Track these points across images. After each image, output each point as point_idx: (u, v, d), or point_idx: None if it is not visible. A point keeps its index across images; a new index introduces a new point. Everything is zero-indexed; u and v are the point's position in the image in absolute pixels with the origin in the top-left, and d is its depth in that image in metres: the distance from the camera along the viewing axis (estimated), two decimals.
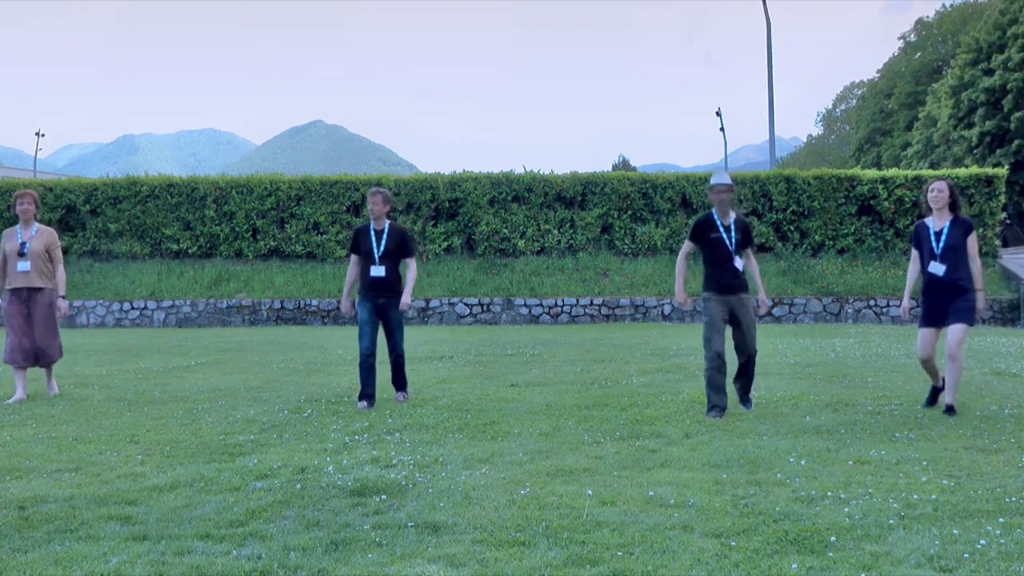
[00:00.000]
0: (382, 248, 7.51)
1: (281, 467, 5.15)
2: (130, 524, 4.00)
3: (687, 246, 7.07)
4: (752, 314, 6.90)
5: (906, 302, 7.10)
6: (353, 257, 7.68)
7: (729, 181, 6.93)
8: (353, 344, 13.74)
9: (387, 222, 7.64)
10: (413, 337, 15.43)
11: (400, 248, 7.62)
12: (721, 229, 6.84)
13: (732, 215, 6.93)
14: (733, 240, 6.83)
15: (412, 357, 11.59)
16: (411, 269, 7.77)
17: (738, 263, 6.84)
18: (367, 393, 7.46)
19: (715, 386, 6.71)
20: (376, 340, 7.61)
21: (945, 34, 54.96)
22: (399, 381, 7.84)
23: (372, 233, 7.57)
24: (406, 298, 7.59)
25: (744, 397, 7.04)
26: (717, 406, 6.68)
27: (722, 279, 6.81)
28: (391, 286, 7.53)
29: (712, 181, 6.98)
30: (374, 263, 7.50)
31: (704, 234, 6.88)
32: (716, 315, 6.77)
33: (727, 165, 52.69)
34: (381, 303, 7.53)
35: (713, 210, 7.00)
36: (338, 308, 20.14)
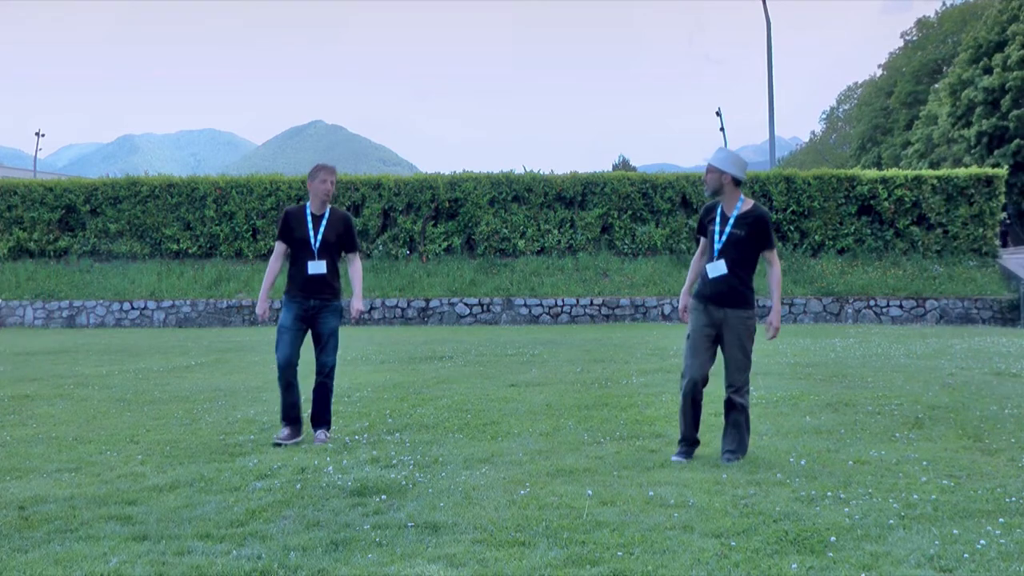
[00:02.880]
0: (320, 238, 6.06)
1: (281, 467, 5.15)
2: (130, 524, 4.00)
3: (701, 242, 5.52)
4: (743, 339, 5.23)
5: None
6: (280, 246, 6.20)
7: (716, 161, 5.28)
8: (354, 344, 13.74)
9: (328, 206, 6.20)
10: (413, 337, 15.44)
11: (342, 240, 6.17)
12: (718, 220, 5.29)
13: (744, 204, 5.27)
14: (726, 236, 5.23)
15: (413, 357, 11.59)
16: (356, 266, 6.37)
17: (718, 267, 5.22)
18: (291, 416, 6.00)
19: (684, 415, 5.27)
20: (299, 350, 6.07)
21: (946, 33, 54.98)
22: (320, 414, 6.11)
23: (309, 218, 6.11)
24: (358, 303, 6.24)
25: (735, 451, 5.25)
26: (685, 439, 5.27)
27: (704, 284, 5.30)
28: (329, 286, 6.09)
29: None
30: (312, 256, 6.03)
31: (706, 226, 5.41)
32: (697, 329, 5.26)
33: None
34: (313, 306, 6.04)
35: None
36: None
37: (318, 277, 6.04)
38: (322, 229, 6.07)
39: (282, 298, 6.17)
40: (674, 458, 5.21)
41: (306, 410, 6.35)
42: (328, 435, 6.07)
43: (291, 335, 6.02)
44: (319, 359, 6.10)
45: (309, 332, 6.15)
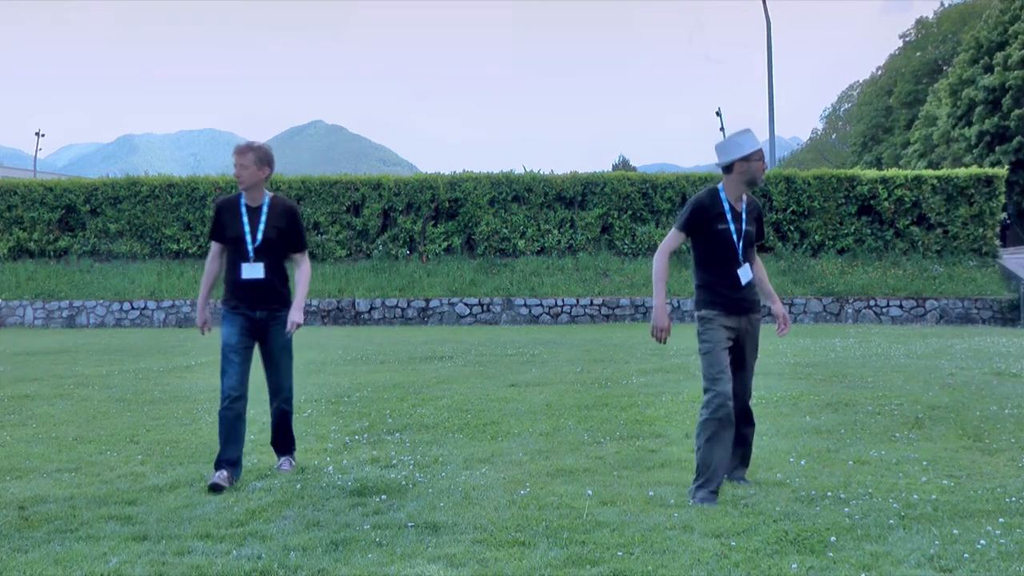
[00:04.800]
0: (260, 234, 4.93)
1: None
2: (130, 524, 4.00)
3: (674, 239, 4.64)
4: (758, 343, 4.71)
5: None
6: (214, 247, 5.10)
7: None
8: (354, 344, 13.74)
9: (267, 195, 5.03)
10: (413, 337, 15.43)
11: (287, 236, 5.03)
12: (730, 217, 4.54)
13: (745, 197, 4.63)
14: (743, 234, 4.57)
15: (412, 357, 11.58)
16: (304, 269, 5.19)
17: (745, 270, 4.58)
18: (227, 459, 4.78)
19: (722, 442, 4.38)
20: (247, 375, 4.96)
21: (945, 33, 55.01)
22: (283, 440, 5.17)
23: (243, 210, 4.97)
24: (296, 315, 4.97)
25: (738, 468, 4.73)
26: (712, 480, 4.34)
27: (729, 292, 4.54)
28: (273, 292, 4.98)
29: (746, 144, 4.50)
30: (246, 258, 4.92)
31: (709, 223, 4.53)
32: (720, 345, 4.49)
33: None
34: (260, 318, 4.96)
35: (720, 187, 4.60)
36: (338, 308, 20.12)
37: (256, 283, 4.92)
38: (261, 224, 4.94)
39: (220, 309, 5.04)
40: (695, 499, 4.29)
41: (265, 433, 5.74)
42: (294, 462, 5.14)
43: (240, 357, 4.90)
44: (273, 381, 5.09)
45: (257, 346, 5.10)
